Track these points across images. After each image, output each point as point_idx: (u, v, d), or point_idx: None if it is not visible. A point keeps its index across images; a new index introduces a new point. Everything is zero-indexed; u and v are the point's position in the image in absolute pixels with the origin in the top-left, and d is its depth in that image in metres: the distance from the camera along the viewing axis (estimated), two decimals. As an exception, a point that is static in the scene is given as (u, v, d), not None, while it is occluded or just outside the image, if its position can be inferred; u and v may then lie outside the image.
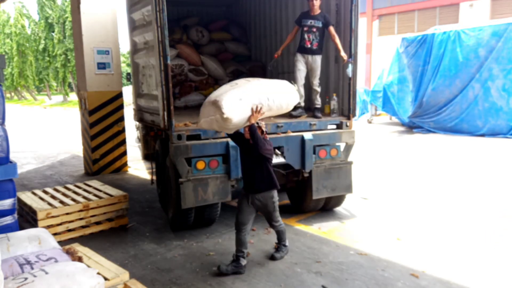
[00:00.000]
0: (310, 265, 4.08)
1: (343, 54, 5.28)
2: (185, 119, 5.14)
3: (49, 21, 33.42)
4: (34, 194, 5.51)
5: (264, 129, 3.91)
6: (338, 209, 5.75)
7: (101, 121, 8.08)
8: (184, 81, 7.41)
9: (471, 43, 11.78)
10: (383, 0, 21.88)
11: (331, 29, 5.41)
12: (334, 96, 5.61)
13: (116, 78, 8.21)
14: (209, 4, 8.61)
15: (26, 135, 14.88)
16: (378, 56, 21.20)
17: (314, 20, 5.46)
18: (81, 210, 5.02)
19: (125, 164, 8.54)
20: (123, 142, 8.42)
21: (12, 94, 45.79)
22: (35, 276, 2.82)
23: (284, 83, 4.18)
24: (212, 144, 4.68)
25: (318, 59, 5.55)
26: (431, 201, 6.08)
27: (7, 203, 3.97)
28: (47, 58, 35.04)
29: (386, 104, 14.79)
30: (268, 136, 4.91)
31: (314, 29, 5.47)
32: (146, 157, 8.68)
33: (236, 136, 4.06)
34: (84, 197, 5.27)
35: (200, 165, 4.63)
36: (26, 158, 10.25)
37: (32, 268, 3.02)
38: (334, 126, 5.47)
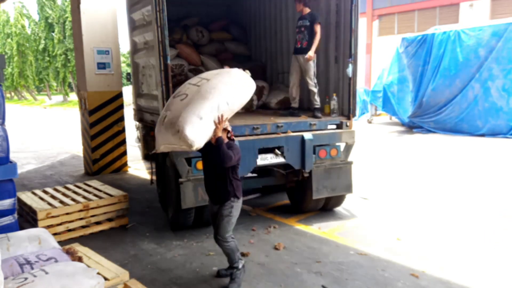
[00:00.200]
0: (310, 265, 4.08)
1: (311, 53, 5.43)
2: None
3: (49, 21, 33.40)
4: (34, 194, 5.51)
5: (229, 128, 3.60)
6: (338, 209, 5.75)
7: (101, 121, 8.08)
8: (184, 81, 7.40)
9: (471, 43, 11.78)
10: (383, 0, 21.88)
11: (315, 26, 5.49)
12: (334, 96, 5.61)
13: (116, 78, 8.21)
14: (209, 4, 8.60)
15: (26, 135, 14.88)
16: (378, 56, 21.19)
17: (303, 20, 5.62)
18: (81, 210, 5.02)
19: (125, 164, 8.54)
20: (123, 142, 8.42)
21: (12, 94, 45.78)
22: (35, 276, 2.82)
23: (236, 74, 3.79)
24: (212, 144, 4.67)
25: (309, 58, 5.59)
26: (431, 201, 6.08)
27: (7, 203, 3.97)
28: (47, 58, 35.02)
29: (386, 104, 14.80)
30: (266, 136, 4.95)
31: (303, 29, 5.61)
32: (146, 157, 8.67)
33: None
34: (84, 197, 5.27)
35: (200, 165, 4.61)
36: (26, 158, 10.24)
37: (32, 268, 3.02)
38: (334, 126, 5.47)
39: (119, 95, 8.25)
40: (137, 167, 8.86)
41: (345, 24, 5.54)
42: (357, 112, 13.19)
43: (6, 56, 34.91)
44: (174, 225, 5.03)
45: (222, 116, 3.44)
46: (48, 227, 4.64)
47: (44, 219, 4.74)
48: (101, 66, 7.98)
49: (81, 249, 3.82)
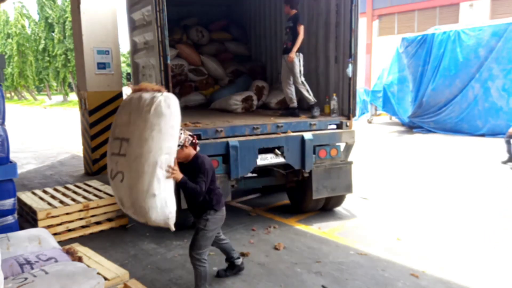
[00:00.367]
0: (310, 265, 4.08)
1: (291, 55, 5.47)
2: (185, 119, 5.13)
3: (49, 21, 33.40)
4: (34, 194, 5.51)
5: (190, 140, 3.21)
6: (338, 209, 5.75)
7: (101, 121, 8.08)
8: (184, 81, 7.41)
9: (471, 43, 11.78)
10: (383, 0, 21.88)
11: (298, 27, 5.52)
12: (334, 96, 5.61)
13: (116, 78, 8.20)
14: (209, 4, 8.61)
15: (26, 135, 14.88)
16: (378, 56, 21.19)
17: (288, 22, 5.70)
18: (81, 210, 5.02)
19: (125, 164, 8.52)
20: (123, 142, 8.41)
21: (12, 94, 45.78)
22: (35, 276, 2.82)
23: (149, 108, 2.97)
24: (212, 144, 4.68)
25: (296, 57, 5.58)
26: (431, 201, 6.08)
27: (7, 203, 3.98)
28: (47, 58, 35.02)
29: (386, 104, 14.80)
30: (266, 136, 4.94)
31: (288, 30, 5.69)
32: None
33: None
34: (84, 197, 5.27)
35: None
36: (26, 158, 10.24)
37: (32, 268, 3.02)
38: (334, 126, 5.47)
39: (119, 95, 8.24)
40: (137, 167, 8.85)
41: (345, 24, 5.54)
42: (357, 112, 13.21)
43: (6, 56, 34.90)
44: (174, 225, 5.01)
45: (170, 166, 2.97)
46: (48, 227, 4.64)
47: (44, 219, 4.74)
48: (101, 66, 7.98)
49: (81, 249, 3.82)
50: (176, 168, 3.05)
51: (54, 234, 4.56)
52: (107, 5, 7.95)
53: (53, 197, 5.35)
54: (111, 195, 5.27)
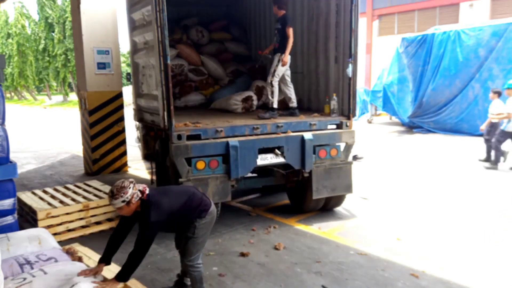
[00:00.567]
0: (310, 265, 4.08)
1: (285, 59, 5.46)
2: (185, 119, 5.14)
3: (49, 21, 33.38)
4: (34, 194, 5.51)
5: (144, 196, 3.00)
6: (338, 209, 5.75)
7: (101, 121, 8.08)
8: (184, 81, 7.41)
9: (471, 43, 11.78)
10: (383, 0, 21.87)
11: (287, 29, 5.48)
12: (334, 96, 5.61)
13: (116, 78, 8.21)
14: (209, 4, 8.61)
15: (26, 135, 14.88)
16: (378, 56, 21.19)
17: (277, 23, 5.68)
18: (81, 210, 5.02)
19: (125, 164, 8.54)
20: (123, 142, 8.42)
21: (12, 94, 45.74)
22: (34, 276, 2.82)
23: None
24: (212, 144, 4.68)
25: (276, 57, 5.60)
26: (431, 201, 6.08)
27: (7, 203, 3.98)
28: (47, 58, 35.00)
29: (386, 104, 14.79)
30: (266, 136, 4.92)
31: (276, 31, 5.66)
32: (146, 157, 8.68)
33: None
34: (84, 197, 5.27)
35: (200, 165, 4.63)
36: (26, 158, 10.24)
37: (32, 268, 3.02)
38: (334, 126, 5.47)
39: (119, 95, 8.24)
40: (137, 167, 8.86)
41: (345, 24, 5.54)
42: (357, 112, 13.18)
43: (6, 56, 34.90)
44: None
45: (97, 283, 2.88)
46: (48, 227, 4.64)
47: (44, 219, 4.74)
48: (101, 66, 7.97)
49: (81, 249, 3.83)
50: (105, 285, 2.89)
51: (54, 234, 4.56)
52: (107, 5, 7.95)
53: (53, 197, 5.35)
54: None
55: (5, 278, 2.84)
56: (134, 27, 6.02)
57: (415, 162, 8.84)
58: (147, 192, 2.99)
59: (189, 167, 4.59)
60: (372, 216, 5.51)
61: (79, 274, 2.89)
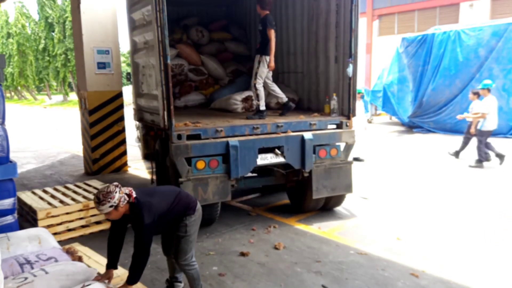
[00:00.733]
0: (310, 265, 4.08)
1: (272, 64, 5.48)
2: (185, 119, 5.14)
3: (49, 20, 33.38)
4: (34, 193, 5.51)
5: (132, 199, 2.94)
6: (338, 208, 5.75)
7: (101, 121, 8.08)
8: (184, 81, 7.42)
9: (471, 43, 11.79)
10: (383, 0, 21.87)
11: (268, 32, 5.44)
12: (334, 96, 5.61)
13: (116, 78, 8.21)
14: (209, 4, 8.61)
15: (26, 135, 14.88)
16: (378, 56, 21.19)
17: (259, 24, 5.64)
18: (81, 210, 5.02)
19: (125, 164, 8.54)
20: (123, 141, 8.42)
21: (12, 93, 45.74)
22: (35, 275, 2.82)
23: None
24: (212, 144, 4.68)
25: (256, 58, 5.59)
26: (431, 201, 6.08)
27: (7, 202, 3.98)
28: (47, 58, 35.00)
29: (386, 104, 14.80)
30: (266, 136, 4.92)
31: (258, 32, 5.64)
32: (146, 156, 8.68)
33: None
34: (84, 197, 5.27)
35: (200, 164, 4.63)
36: (26, 158, 10.24)
37: (32, 268, 3.02)
38: (334, 126, 5.47)
39: (119, 94, 8.24)
40: (137, 166, 8.86)
41: (345, 24, 5.54)
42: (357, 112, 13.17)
43: (6, 56, 34.88)
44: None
45: None
46: (48, 226, 4.64)
47: (44, 219, 4.75)
48: (101, 65, 7.97)
49: (81, 249, 3.83)
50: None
51: (54, 233, 4.56)
52: (107, 5, 7.95)
53: (53, 196, 5.35)
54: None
55: (5, 277, 2.84)
56: (134, 27, 6.02)
57: (415, 162, 8.85)
58: (134, 195, 2.95)
59: (189, 166, 4.59)
60: (372, 215, 5.52)
61: (93, 280, 2.94)
